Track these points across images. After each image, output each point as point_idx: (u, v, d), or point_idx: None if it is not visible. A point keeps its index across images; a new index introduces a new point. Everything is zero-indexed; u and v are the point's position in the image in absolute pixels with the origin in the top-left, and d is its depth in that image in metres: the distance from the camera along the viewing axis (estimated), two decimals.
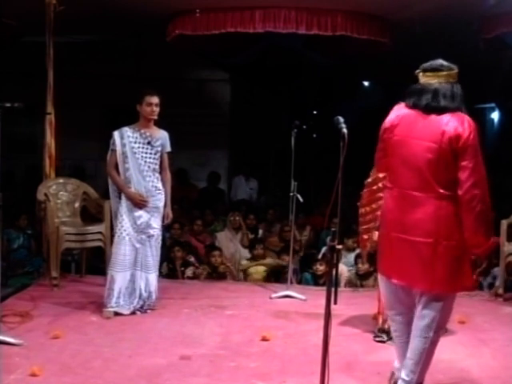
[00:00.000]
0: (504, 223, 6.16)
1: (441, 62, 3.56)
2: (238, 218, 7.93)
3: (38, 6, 6.39)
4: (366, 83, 13.70)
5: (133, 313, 5.44)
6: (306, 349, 4.65)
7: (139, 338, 4.88)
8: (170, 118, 5.80)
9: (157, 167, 5.53)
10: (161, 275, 6.33)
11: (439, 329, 3.61)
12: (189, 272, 6.97)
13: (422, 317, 3.57)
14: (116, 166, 5.47)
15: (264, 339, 4.86)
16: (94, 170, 9.86)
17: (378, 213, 3.80)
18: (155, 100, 5.39)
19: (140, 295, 5.50)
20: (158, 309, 5.61)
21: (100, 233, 6.32)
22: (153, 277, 5.55)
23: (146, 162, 5.45)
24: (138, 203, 5.41)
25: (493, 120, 14.66)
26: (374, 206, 4.02)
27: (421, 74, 3.58)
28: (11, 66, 9.17)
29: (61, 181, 6.64)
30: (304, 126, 12.56)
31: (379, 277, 3.86)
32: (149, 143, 5.46)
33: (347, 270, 7.01)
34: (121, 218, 5.44)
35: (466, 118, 3.45)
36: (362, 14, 7.37)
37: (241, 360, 4.46)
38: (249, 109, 11.46)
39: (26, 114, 7.31)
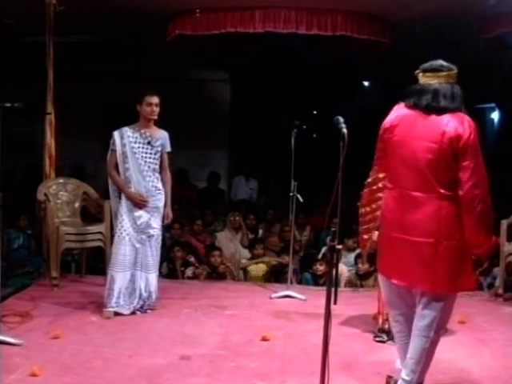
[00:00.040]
0: (504, 223, 6.17)
1: (440, 62, 3.56)
2: (238, 218, 7.93)
3: (38, 5, 6.39)
4: (366, 83, 13.70)
5: (133, 313, 5.45)
6: (305, 349, 4.65)
7: (139, 338, 4.88)
8: (169, 118, 5.80)
9: (157, 167, 5.53)
10: (161, 275, 6.33)
11: (439, 329, 3.61)
12: (189, 272, 6.97)
13: (423, 317, 3.57)
14: (116, 166, 5.47)
15: (264, 339, 4.86)
16: (94, 170, 9.86)
17: (378, 213, 3.80)
18: (155, 100, 5.39)
19: (140, 295, 5.50)
20: (158, 309, 5.61)
21: (100, 233, 6.32)
22: (153, 277, 5.55)
23: (146, 161, 5.45)
24: (138, 203, 5.41)
25: (493, 120, 14.67)
26: (373, 206, 4.00)
27: (420, 74, 3.58)
28: (11, 66, 9.17)
29: (61, 181, 6.64)
30: (304, 126, 12.56)
31: (379, 277, 3.86)
32: (149, 143, 5.46)
33: (347, 270, 7.01)
34: (121, 218, 5.44)
35: (466, 119, 3.45)
36: (361, 14, 7.37)
37: (241, 360, 4.46)
38: (249, 109, 11.46)
39: (26, 114, 7.31)
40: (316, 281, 6.86)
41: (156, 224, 5.52)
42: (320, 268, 6.79)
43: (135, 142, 5.43)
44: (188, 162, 10.68)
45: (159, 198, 5.52)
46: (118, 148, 5.44)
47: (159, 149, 5.50)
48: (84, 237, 6.33)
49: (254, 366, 4.37)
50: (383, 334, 4.86)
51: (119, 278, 5.39)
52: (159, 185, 5.54)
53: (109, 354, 4.49)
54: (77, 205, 6.58)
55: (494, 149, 11.27)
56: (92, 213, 6.65)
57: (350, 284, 6.86)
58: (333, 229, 3.19)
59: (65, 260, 6.69)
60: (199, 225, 8.05)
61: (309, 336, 4.92)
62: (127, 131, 5.45)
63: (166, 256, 6.99)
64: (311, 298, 5.96)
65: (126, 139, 5.43)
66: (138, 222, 5.43)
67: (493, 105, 14.14)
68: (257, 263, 7.32)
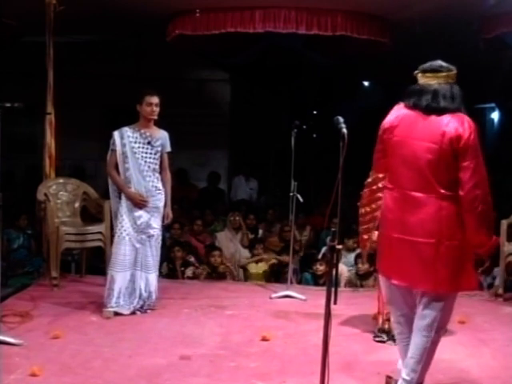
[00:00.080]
0: (504, 223, 6.17)
1: (440, 62, 3.56)
2: (238, 218, 7.93)
3: (38, 5, 6.39)
4: (366, 83, 13.70)
5: (133, 313, 5.44)
6: (305, 349, 4.65)
7: (139, 338, 4.88)
8: (170, 118, 5.80)
9: (157, 167, 5.53)
10: (161, 275, 6.33)
11: (440, 328, 3.61)
12: (189, 272, 6.97)
13: (423, 316, 3.58)
14: (116, 166, 5.47)
15: (264, 339, 4.86)
16: (94, 170, 9.86)
17: (378, 213, 3.80)
18: (155, 100, 5.39)
19: (140, 295, 5.50)
20: (158, 309, 5.61)
21: (100, 233, 6.32)
22: (153, 277, 5.55)
23: (146, 161, 5.45)
24: (138, 203, 5.41)
25: (493, 120, 14.67)
26: (373, 206, 4.01)
27: (420, 74, 3.58)
28: (11, 66, 9.17)
29: (61, 181, 6.64)
30: (304, 126, 12.56)
31: (381, 278, 3.86)
32: (149, 143, 5.46)
33: (347, 270, 7.01)
34: (121, 218, 5.44)
35: (466, 119, 3.45)
36: (362, 13, 7.37)
37: (241, 360, 4.46)
38: (249, 109, 11.46)
39: (26, 114, 7.31)
40: (316, 281, 6.87)
41: (156, 224, 5.52)
42: (320, 268, 6.79)
43: (135, 142, 5.43)
44: (188, 161, 10.68)
45: (159, 198, 5.52)
46: (118, 148, 5.44)
47: (159, 149, 5.50)
48: (84, 237, 6.33)
49: (254, 366, 4.37)
50: (383, 333, 4.86)
51: (119, 278, 5.39)
52: (159, 185, 5.54)
53: (109, 354, 4.49)
54: (77, 205, 6.58)
55: (493, 149, 11.27)
56: (92, 213, 6.65)
57: (350, 284, 6.86)
58: (333, 229, 3.19)
59: (65, 260, 6.70)
60: (199, 225, 8.05)
61: (309, 336, 4.92)
62: (127, 131, 5.44)
63: (166, 256, 6.99)
64: (311, 298, 5.96)
65: (126, 139, 5.43)
66: (138, 222, 5.43)
67: (493, 105, 14.13)
68: (257, 262, 7.32)
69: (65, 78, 6.99)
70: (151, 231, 5.49)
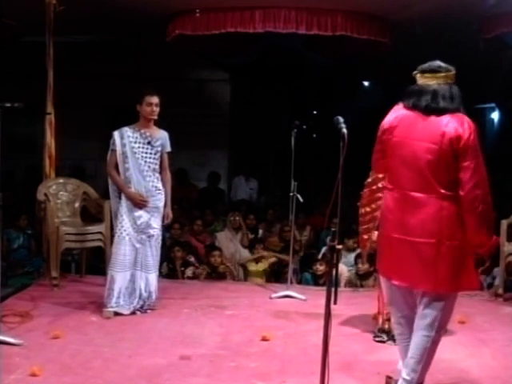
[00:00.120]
0: (504, 223, 6.17)
1: (438, 63, 3.56)
2: (238, 218, 7.93)
3: (38, 5, 6.39)
4: (366, 83, 13.70)
5: (133, 313, 5.44)
6: (305, 349, 4.65)
7: (139, 338, 4.88)
8: (170, 118, 5.81)
9: (157, 167, 5.53)
10: (161, 275, 6.33)
11: (441, 328, 3.62)
12: (189, 272, 6.97)
13: (424, 316, 3.58)
14: (116, 166, 5.47)
15: (264, 339, 4.86)
16: (94, 170, 9.86)
17: (377, 213, 3.80)
18: (155, 100, 5.39)
19: (140, 295, 5.50)
20: (158, 309, 5.61)
21: (100, 233, 6.32)
22: (153, 277, 5.55)
23: (146, 161, 5.45)
24: (138, 203, 5.41)
25: (493, 120, 14.66)
26: (373, 206, 4.02)
27: (418, 75, 3.58)
28: (11, 66, 9.17)
29: (61, 181, 6.64)
30: (304, 126, 12.56)
31: (382, 279, 3.86)
32: (149, 143, 5.46)
33: (347, 270, 7.01)
34: (121, 218, 5.44)
35: (466, 119, 3.45)
36: (362, 13, 7.37)
37: (241, 360, 4.46)
38: (249, 109, 11.47)
39: (26, 114, 7.31)
40: (316, 281, 6.87)
41: (156, 224, 5.52)
42: (320, 268, 6.79)
43: (135, 142, 5.43)
44: (188, 161, 10.68)
45: (159, 197, 5.52)
46: (118, 148, 5.44)
47: (159, 149, 5.50)
48: (84, 237, 6.32)
49: (254, 366, 4.37)
50: (383, 333, 4.86)
51: (119, 278, 5.39)
52: (159, 185, 5.54)
53: (109, 354, 4.49)
54: (77, 205, 6.58)
55: (493, 149, 11.27)
56: (92, 213, 6.65)
57: (350, 284, 6.86)
58: (333, 229, 3.19)
59: (65, 260, 6.70)
60: (199, 225, 8.05)
61: (309, 336, 4.92)
62: (127, 131, 5.45)
63: (166, 256, 6.99)
64: (311, 298, 5.96)
65: (126, 139, 5.43)
66: (138, 222, 5.43)
67: (493, 105, 14.13)
68: (257, 262, 7.31)
69: (65, 78, 6.99)
70: (151, 231, 5.49)
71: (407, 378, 3.62)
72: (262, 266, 7.26)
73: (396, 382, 3.77)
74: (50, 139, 6.61)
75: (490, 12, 6.99)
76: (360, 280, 6.79)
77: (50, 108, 6.59)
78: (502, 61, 8.55)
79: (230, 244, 7.73)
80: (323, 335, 3.17)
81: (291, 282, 6.38)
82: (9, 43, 8.40)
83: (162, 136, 5.54)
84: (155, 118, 5.46)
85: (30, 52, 7.45)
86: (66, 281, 6.43)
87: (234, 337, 4.99)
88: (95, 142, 9.71)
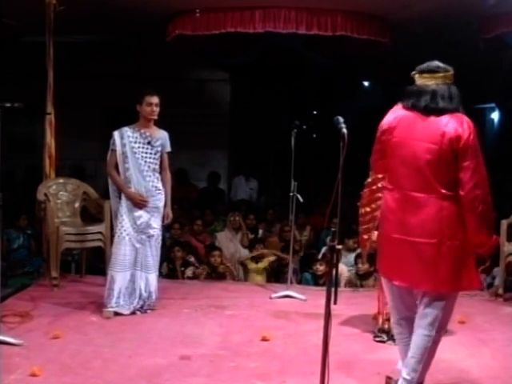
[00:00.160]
0: (504, 223, 6.17)
1: (437, 63, 3.56)
2: (237, 218, 7.93)
3: (38, 5, 6.39)
4: (366, 83, 13.70)
5: (133, 313, 5.44)
6: (305, 349, 4.65)
7: (139, 338, 4.88)
8: (170, 118, 5.80)
9: (157, 167, 5.53)
10: (161, 275, 6.33)
11: (441, 328, 3.62)
12: (189, 272, 6.97)
13: (425, 315, 3.58)
14: (116, 166, 5.47)
15: (264, 339, 4.86)
16: (94, 170, 9.86)
17: (377, 213, 3.80)
18: (155, 100, 5.39)
19: (140, 295, 5.50)
20: (158, 309, 5.60)
21: (100, 233, 6.32)
22: (153, 277, 5.54)
23: (146, 161, 5.45)
24: (138, 203, 5.41)
25: (493, 120, 14.66)
26: (373, 205, 4.01)
27: (417, 75, 3.58)
28: (11, 66, 9.17)
29: (61, 181, 6.64)
30: (304, 126, 12.57)
31: (383, 280, 3.86)
32: (149, 143, 5.46)
33: (347, 270, 7.01)
34: (121, 218, 5.44)
35: (465, 119, 3.46)
36: (361, 13, 7.37)
37: (241, 360, 4.46)
38: (249, 109, 11.47)
39: (26, 114, 7.31)
40: (316, 281, 6.87)
41: (156, 224, 5.52)
42: (320, 268, 6.79)
43: (135, 142, 5.43)
44: (188, 161, 10.68)
45: (159, 197, 5.52)
46: (118, 148, 5.44)
47: (159, 149, 5.50)
48: (84, 237, 6.32)
49: (253, 366, 4.37)
50: (383, 333, 4.86)
51: (119, 278, 5.39)
52: (159, 185, 5.54)
53: (109, 354, 4.49)
54: (77, 205, 6.58)
55: (493, 149, 11.27)
56: (92, 213, 6.65)
57: (350, 284, 6.86)
58: (333, 229, 3.19)
59: (65, 260, 6.70)
60: (199, 225, 8.05)
61: (309, 336, 4.92)
62: (127, 131, 5.45)
63: (166, 256, 6.99)
64: (311, 298, 5.96)
65: (126, 139, 5.43)
66: (138, 222, 5.43)
67: (493, 105, 14.13)
68: (256, 262, 7.31)
69: (65, 78, 6.99)
70: (151, 231, 5.49)
71: (407, 377, 3.62)
72: (262, 264, 7.26)
73: (396, 381, 3.77)
74: (49, 139, 6.61)
75: (490, 12, 6.99)
76: (360, 280, 6.78)
77: (49, 108, 6.59)
78: (501, 61, 8.55)
79: (230, 244, 7.73)
80: (323, 335, 3.17)
81: (291, 282, 6.38)
82: (9, 43, 8.40)
83: (161, 136, 5.53)
84: (155, 117, 5.46)
85: (30, 52, 7.45)
86: (65, 281, 6.43)
87: (234, 337, 4.99)
88: (95, 141, 9.71)
